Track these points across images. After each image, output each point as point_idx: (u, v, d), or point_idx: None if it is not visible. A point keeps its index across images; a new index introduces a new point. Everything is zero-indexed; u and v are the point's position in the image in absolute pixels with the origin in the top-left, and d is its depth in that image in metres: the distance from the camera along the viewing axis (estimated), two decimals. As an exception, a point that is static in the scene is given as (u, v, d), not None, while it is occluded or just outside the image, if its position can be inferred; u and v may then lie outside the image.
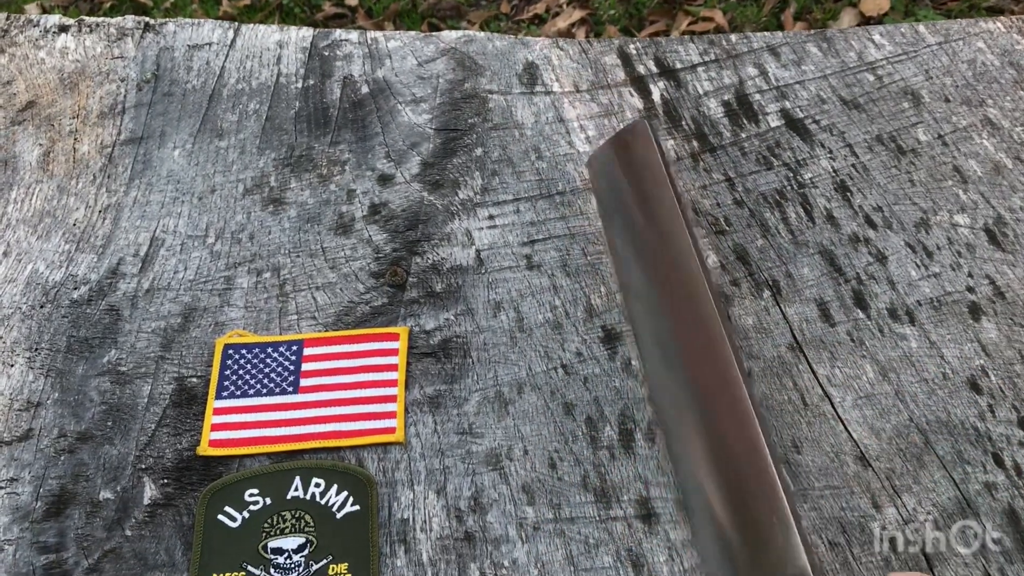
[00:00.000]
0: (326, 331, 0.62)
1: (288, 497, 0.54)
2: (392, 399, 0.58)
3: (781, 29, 1.46)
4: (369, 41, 0.82)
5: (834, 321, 0.61)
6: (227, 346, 0.61)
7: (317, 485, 0.55)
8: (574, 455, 0.56)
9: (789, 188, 0.69)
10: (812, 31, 0.80)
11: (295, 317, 0.63)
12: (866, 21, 1.44)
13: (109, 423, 0.59)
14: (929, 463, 0.54)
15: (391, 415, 0.58)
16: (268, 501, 0.54)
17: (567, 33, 1.52)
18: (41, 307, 0.65)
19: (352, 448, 0.57)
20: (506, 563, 0.52)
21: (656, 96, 0.76)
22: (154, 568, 0.53)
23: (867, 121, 0.73)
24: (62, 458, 0.57)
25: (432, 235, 0.67)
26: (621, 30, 1.51)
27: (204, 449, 0.57)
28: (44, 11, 1.71)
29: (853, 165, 0.70)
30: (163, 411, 0.59)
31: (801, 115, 0.73)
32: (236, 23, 0.84)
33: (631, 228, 0.62)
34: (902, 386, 0.58)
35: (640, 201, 0.62)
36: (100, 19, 0.85)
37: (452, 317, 0.62)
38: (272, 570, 0.52)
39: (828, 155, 0.71)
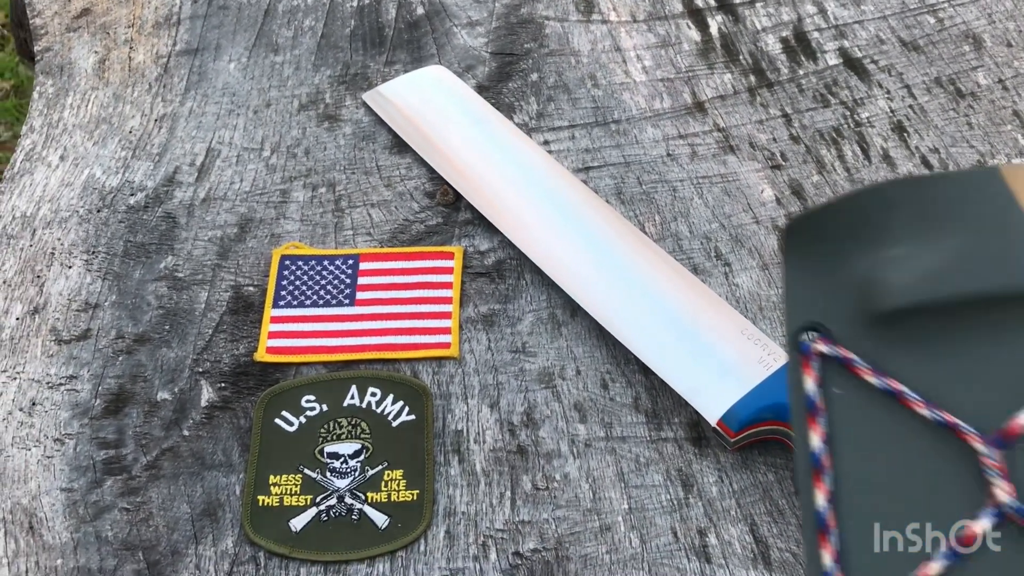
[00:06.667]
0: (382, 247, 0.62)
1: (344, 405, 0.55)
2: (447, 315, 0.59)
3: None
4: (424, -37, 0.81)
5: (887, 259, 0.61)
6: (284, 257, 0.62)
7: (373, 394, 0.55)
8: (626, 377, 0.56)
9: (846, 126, 0.68)
10: (873, -29, 0.79)
11: (351, 232, 0.64)
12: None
13: (166, 327, 0.59)
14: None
15: (446, 331, 0.58)
16: (325, 407, 0.55)
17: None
18: (98, 211, 0.65)
19: (407, 361, 0.58)
20: (558, 476, 0.53)
21: (714, 30, 0.75)
22: (212, 467, 0.54)
23: (926, 63, 0.72)
24: (120, 358, 0.58)
25: (487, 158, 0.67)
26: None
27: (261, 355, 0.58)
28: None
29: (911, 106, 0.69)
30: (220, 317, 0.60)
31: (859, 55, 0.73)
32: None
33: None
34: (953, 325, 0.58)
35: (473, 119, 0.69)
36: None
37: (507, 238, 0.63)
38: (328, 473, 0.53)
39: (886, 95, 0.70)
